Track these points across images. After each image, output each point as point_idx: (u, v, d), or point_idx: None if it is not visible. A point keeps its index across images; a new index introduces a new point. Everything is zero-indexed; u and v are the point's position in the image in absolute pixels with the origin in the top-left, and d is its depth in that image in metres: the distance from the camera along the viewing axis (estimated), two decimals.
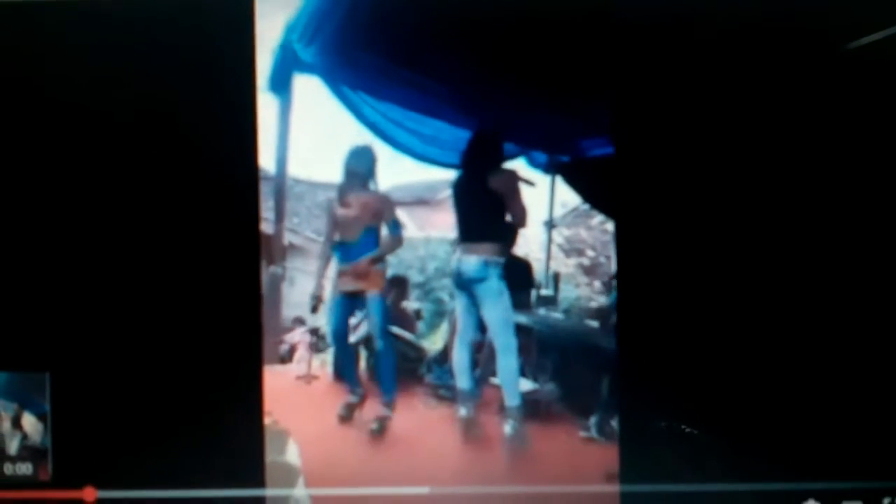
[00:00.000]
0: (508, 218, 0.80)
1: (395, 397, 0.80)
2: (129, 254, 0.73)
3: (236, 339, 0.73)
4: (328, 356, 0.83)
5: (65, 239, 0.73)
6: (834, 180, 0.71)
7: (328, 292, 0.84)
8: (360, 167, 0.78)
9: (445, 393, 0.81)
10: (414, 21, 0.73)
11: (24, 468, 0.72)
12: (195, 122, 0.73)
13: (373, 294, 0.84)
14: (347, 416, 0.80)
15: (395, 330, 0.84)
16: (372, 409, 0.80)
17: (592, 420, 0.77)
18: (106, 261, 0.73)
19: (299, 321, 0.80)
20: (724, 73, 0.71)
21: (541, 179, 0.78)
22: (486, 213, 0.80)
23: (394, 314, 0.84)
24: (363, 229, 0.83)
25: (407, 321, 0.85)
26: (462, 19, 0.73)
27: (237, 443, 0.73)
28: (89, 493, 0.72)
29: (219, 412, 0.72)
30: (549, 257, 0.80)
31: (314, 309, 0.83)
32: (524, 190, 0.78)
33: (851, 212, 0.71)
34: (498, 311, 0.81)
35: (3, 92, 0.73)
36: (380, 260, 0.83)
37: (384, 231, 0.82)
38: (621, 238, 0.74)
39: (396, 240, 0.82)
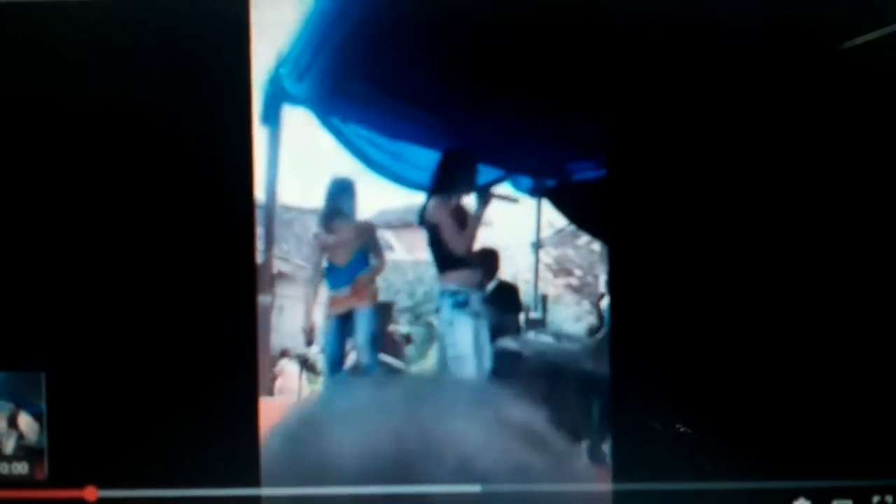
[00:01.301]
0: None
1: None
2: (125, 258, 0.73)
3: (232, 338, 0.73)
4: (318, 386, 0.82)
5: (61, 242, 0.73)
6: (835, 197, 0.71)
7: (320, 321, 0.83)
8: (344, 200, 0.78)
9: None
10: (407, 52, 0.74)
11: (20, 468, 0.72)
12: (191, 145, 0.73)
13: (363, 308, 0.83)
14: None
15: (383, 357, 0.84)
16: None
17: (583, 445, 0.76)
18: (102, 263, 0.73)
19: (284, 353, 0.80)
20: (723, 88, 0.72)
21: (526, 202, 0.78)
22: (432, 241, 0.81)
23: (381, 340, 0.83)
24: (355, 251, 0.83)
25: (395, 347, 0.84)
26: (456, 50, 0.74)
27: (233, 442, 0.72)
28: (90, 492, 0.72)
29: (215, 411, 0.72)
30: (536, 278, 0.81)
31: (309, 342, 0.83)
32: (493, 213, 0.79)
33: (850, 226, 0.71)
34: (446, 342, 0.82)
35: None
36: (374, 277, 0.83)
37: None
38: (614, 239, 0.74)
39: (383, 260, 0.83)
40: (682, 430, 0.72)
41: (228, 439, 0.73)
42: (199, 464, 0.73)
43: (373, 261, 0.84)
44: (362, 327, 0.84)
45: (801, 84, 0.72)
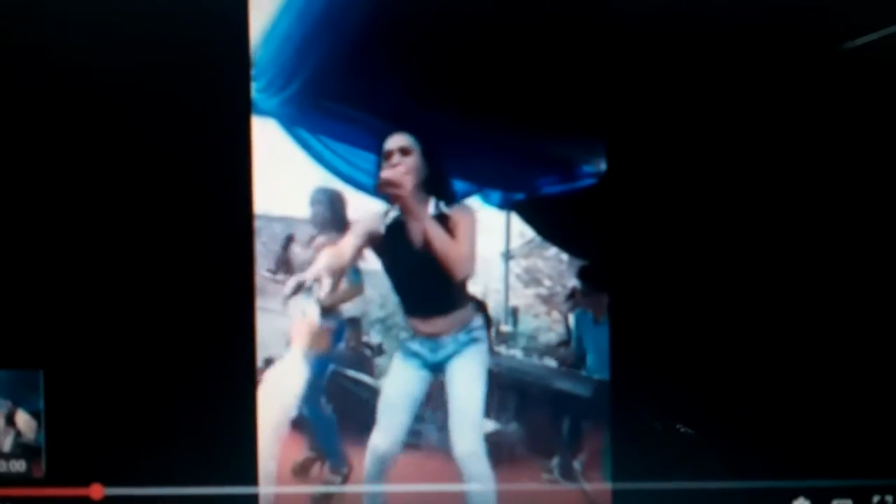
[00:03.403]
0: None
1: (342, 458, 0.77)
2: (123, 257, 0.73)
3: (229, 337, 0.73)
4: None
5: (59, 240, 0.72)
6: (834, 203, 0.73)
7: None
8: (328, 209, 0.77)
9: (408, 439, 0.78)
10: (382, 71, 0.74)
11: (18, 465, 0.72)
12: (187, 153, 0.73)
13: (310, 353, 0.79)
14: (303, 471, 0.77)
15: (351, 373, 0.82)
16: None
17: (555, 462, 0.76)
18: (100, 260, 0.72)
19: None
20: (706, 101, 0.73)
21: (496, 214, 0.78)
22: None
23: (350, 355, 0.82)
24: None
25: (364, 362, 0.82)
26: (428, 70, 0.74)
27: (230, 441, 0.73)
28: (96, 490, 0.72)
29: (212, 411, 0.72)
30: (507, 289, 0.81)
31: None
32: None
33: (847, 233, 0.73)
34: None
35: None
36: (329, 311, 0.79)
37: (343, 280, 0.80)
38: (614, 246, 0.75)
39: (356, 288, 0.79)
40: (682, 430, 0.72)
41: (226, 439, 0.73)
42: (196, 461, 0.72)
43: (340, 289, 0.79)
44: (305, 374, 0.79)
45: (804, 87, 0.73)
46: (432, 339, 0.78)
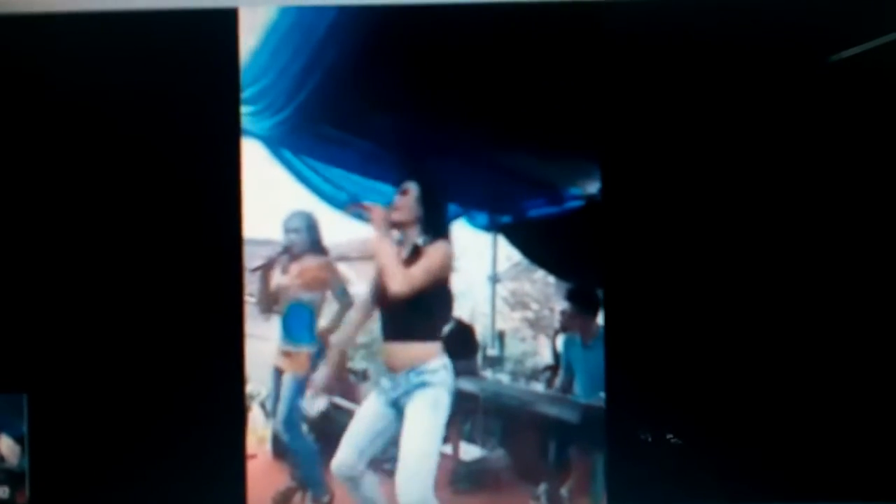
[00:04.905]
0: None
1: (324, 487, 0.77)
2: (108, 280, 0.73)
3: (214, 360, 0.73)
4: (267, 432, 0.79)
5: (45, 264, 0.73)
6: (826, 224, 0.74)
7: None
8: (301, 232, 0.77)
9: (391, 467, 0.77)
10: (372, 94, 0.76)
11: (0, 492, 0.71)
12: (177, 178, 0.75)
13: (288, 376, 0.78)
14: (284, 501, 0.75)
15: (337, 400, 0.81)
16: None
17: (542, 488, 0.75)
18: (83, 282, 0.73)
19: None
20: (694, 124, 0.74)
21: (483, 237, 0.78)
22: None
23: (334, 382, 0.80)
24: (290, 302, 0.79)
25: (349, 389, 0.81)
26: (416, 93, 0.76)
27: (218, 468, 0.72)
28: None
29: (200, 437, 0.72)
30: (494, 312, 0.80)
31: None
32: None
33: (841, 255, 0.73)
34: None
35: None
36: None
37: (329, 300, 0.79)
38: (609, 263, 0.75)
39: (346, 303, 0.79)
40: (672, 440, 0.72)
41: (214, 465, 0.72)
42: (184, 488, 0.72)
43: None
44: (284, 398, 0.78)
45: (795, 104, 0.73)
46: (393, 374, 0.79)
